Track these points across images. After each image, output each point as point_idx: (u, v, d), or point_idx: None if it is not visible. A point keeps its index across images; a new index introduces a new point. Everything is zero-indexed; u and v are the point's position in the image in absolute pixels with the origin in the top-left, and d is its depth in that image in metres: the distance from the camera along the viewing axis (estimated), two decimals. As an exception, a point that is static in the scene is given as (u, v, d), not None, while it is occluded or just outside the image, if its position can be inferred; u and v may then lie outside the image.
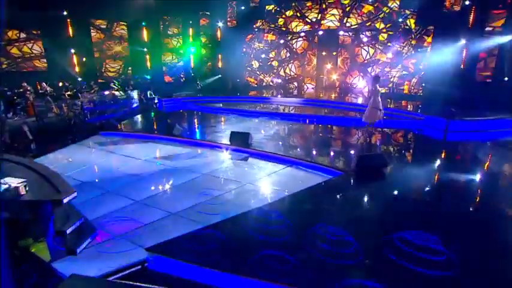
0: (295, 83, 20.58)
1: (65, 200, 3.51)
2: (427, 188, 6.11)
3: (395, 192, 5.84)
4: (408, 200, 5.49)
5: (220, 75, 21.49)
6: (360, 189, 6.07)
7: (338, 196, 5.75)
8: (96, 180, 6.59)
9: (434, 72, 16.46)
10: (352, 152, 8.47)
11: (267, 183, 6.20)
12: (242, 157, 7.74)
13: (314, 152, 8.40)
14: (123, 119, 12.85)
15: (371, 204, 5.45)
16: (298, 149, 8.61)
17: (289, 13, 19.56)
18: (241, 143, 8.21)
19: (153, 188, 6.08)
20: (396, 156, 8.43)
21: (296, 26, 19.51)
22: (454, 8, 15.97)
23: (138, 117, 13.51)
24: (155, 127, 11.67)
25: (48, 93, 13.53)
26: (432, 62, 16.68)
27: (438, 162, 7.90)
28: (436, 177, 6.85)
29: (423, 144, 9.67)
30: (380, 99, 8.20)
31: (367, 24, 17.43)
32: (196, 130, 11.46)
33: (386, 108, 14.49)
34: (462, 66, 15.83)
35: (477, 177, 6.82)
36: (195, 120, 13.55)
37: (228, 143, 8.46)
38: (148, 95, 18.03)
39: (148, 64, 20.74)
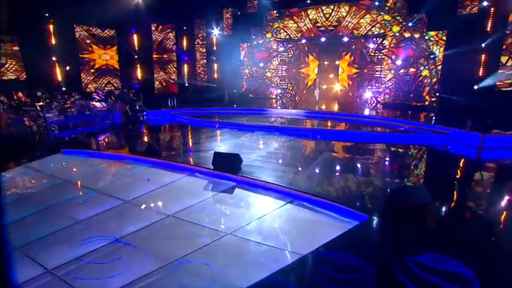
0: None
1: None
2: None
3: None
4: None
5: (215, 85, 19.59)
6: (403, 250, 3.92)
7: (371, 268, 3.59)
8: (12, 230, 4.45)
9: (449, 81, 14.53)
10: (376, 180, 6.33)
11: (258, 233, 4.05)
12: (227, 187, 5.62)
13: (323, 181, 6.28)
14: (99, 134, 10.80)
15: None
16: (302, 176, 6.47)
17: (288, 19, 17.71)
18: (227, 167, 6.11)
19: (86, 243, 3.96)
20: (427, 182, 6.31)
21: (295, 30, 17.62)
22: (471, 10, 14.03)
23: (116, 133, 11.42)
24: (130, 145, 9.56)
25: (10, 103, 11.50)
26: (446, 69, 14.78)
27: (486, 190, 5.77)
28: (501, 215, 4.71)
29: (456, 165, 7.52)
30: None
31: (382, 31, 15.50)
32: (178, 148, 9.33)
33: (401, 121, 12.59)
34: (481, 74, 13.86)
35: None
36: (181, 135, 11.49)
37: (211, 167, 6.36)
38: (137, 107, 16.02)
39: (139, 73, 18.84)
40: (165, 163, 7.10)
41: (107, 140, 10.02)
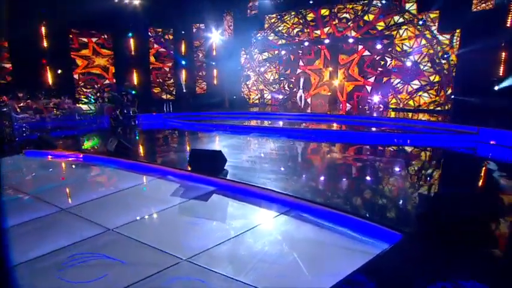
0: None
1: None
2: None
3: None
4: None
5: (213, 90, 18.37)
6: None
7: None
8: None
9: (464, 82, 13.02)
10: (401, 189, 4.78)
11: (229, 261, 2.55)
12: (204, 192, 4.13)
13: (332, 188, 4.77)
14: (77, 136, 9.45)
15: None
16: (303, 180, 4.97)
17: (292, 20, 16.52)
18: (206, 168, 4.65)
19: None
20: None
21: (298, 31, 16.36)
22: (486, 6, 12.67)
23: (97, 135, 10.01)
24: (104, 145, 8.13)
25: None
26: (461, 70, 13.31)
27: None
28: None
29: (496, 169, 5.93)
30: None
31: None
32: (160, 149, 7.85)
33: (415, 121, 11.05)
34: (501, 73, 12.35)
35: None
36: (168, 137, 10.10)
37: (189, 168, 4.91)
38: (132, 113, 14.73)
39: (135, 78, 17.66)
40: (135, 164, 5.66)
41: (81, 141, 8.64)
